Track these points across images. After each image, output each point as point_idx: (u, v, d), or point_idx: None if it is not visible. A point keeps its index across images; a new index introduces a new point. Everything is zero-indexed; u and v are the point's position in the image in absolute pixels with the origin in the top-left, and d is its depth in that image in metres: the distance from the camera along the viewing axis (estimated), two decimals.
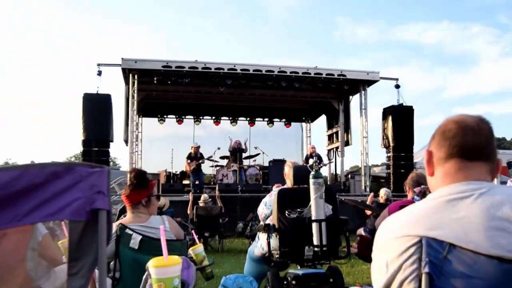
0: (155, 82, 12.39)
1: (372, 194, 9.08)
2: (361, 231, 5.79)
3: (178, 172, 14.36)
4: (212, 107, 15.93)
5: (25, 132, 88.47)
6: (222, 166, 13.63)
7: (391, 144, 13.20)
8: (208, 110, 16.25)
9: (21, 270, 1.61)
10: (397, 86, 13.76)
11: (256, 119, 16.80)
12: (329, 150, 16.31)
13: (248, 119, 16.67)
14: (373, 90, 28.43)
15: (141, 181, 2.78)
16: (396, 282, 1.04)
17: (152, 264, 1.59)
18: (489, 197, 1.05)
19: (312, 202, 3.43)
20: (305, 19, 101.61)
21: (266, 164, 14.27)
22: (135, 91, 12.36)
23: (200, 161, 12.25)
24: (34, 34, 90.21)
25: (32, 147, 79.50)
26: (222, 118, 16.56)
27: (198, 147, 12.38)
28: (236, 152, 13.13)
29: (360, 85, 13.67)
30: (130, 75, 12.31)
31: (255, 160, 14.57)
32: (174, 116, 16.10)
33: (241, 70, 12.38)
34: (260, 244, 3.98)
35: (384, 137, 13.52)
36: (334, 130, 15.74)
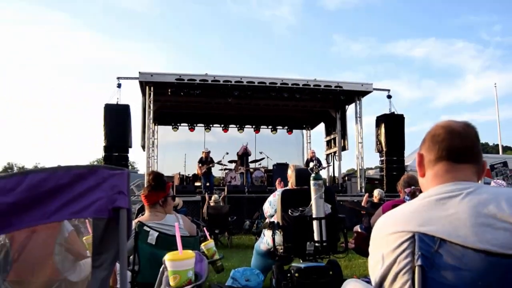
0: (169, 93, 12.43)
1: (367, 194, 9.05)
2: (357, 228, 5.75)
3: (190, 175, 14.36)
4: (221, 116, 15.98)
5: (53, 137, 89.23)
6: (230, 169, 13.61)
7: (384, 149, 13.14)
8: (217, 119, 16.28)
9: (49, 263, 1.62)
10: (389, 96, 13.75)
11: (261, 126, 16.78)
12: (327, 155, 16.28)
13: (253, 126, 16.66)
14: (367, 100, 28.31)
15: (158, 183, 2.77)
16: (391, 274, 1.03)
17: (168, 258, 1.59)
18: (476, 196, 1.05)
19: (313, 202, 3.42)
20: (304, 36, 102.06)
21: (271, 167, 14.23)
22: (151, 102, 12.39)
23: (211, 165, 12.27)
24: (64, 53, 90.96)
25: (59, 152, 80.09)
26: (230, 125, 16.61)
27: (209, 152, 12.41)
28: (243, 156, 13.14)
29: (355, 95, 13.61)
30: (147, 87, 12.36)
31: (260, 164, 14.55)
32: (186, 124, 16.16)
33: (247, 82, 12.39)
34: (266, 240, 3.97)
35: (378, 143, 13.46)
36: (332, 136, 15.71)
